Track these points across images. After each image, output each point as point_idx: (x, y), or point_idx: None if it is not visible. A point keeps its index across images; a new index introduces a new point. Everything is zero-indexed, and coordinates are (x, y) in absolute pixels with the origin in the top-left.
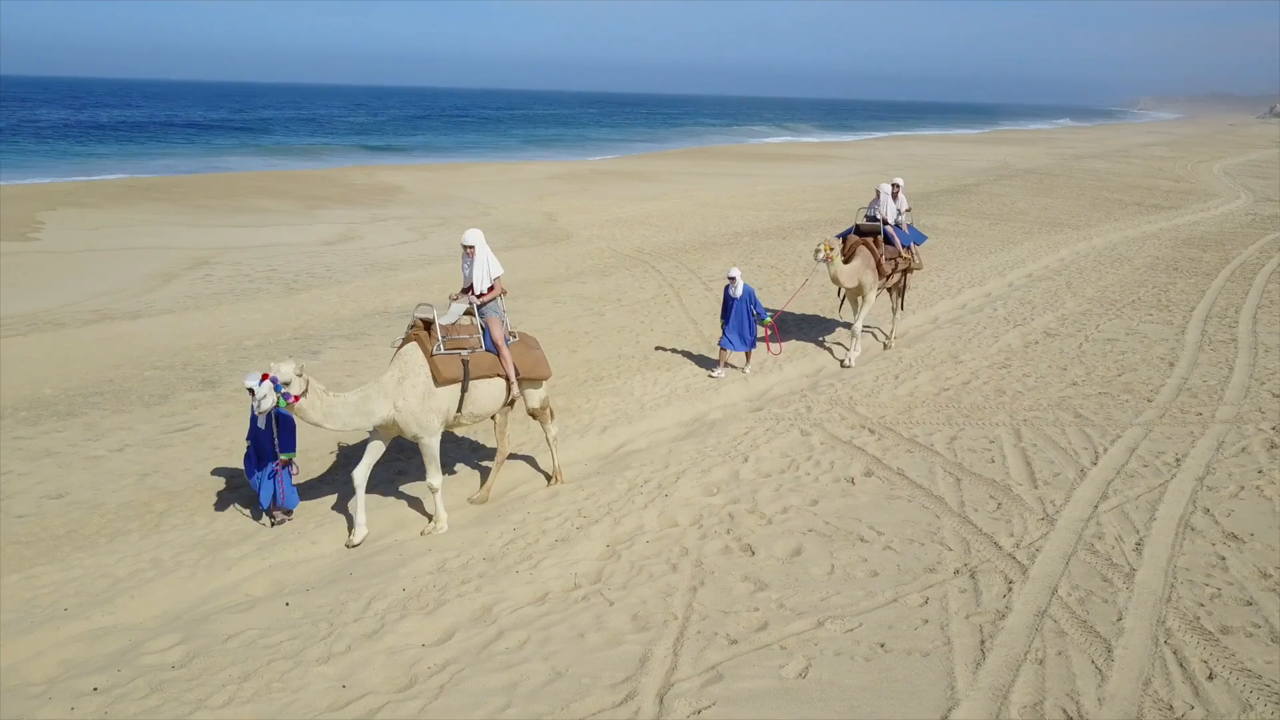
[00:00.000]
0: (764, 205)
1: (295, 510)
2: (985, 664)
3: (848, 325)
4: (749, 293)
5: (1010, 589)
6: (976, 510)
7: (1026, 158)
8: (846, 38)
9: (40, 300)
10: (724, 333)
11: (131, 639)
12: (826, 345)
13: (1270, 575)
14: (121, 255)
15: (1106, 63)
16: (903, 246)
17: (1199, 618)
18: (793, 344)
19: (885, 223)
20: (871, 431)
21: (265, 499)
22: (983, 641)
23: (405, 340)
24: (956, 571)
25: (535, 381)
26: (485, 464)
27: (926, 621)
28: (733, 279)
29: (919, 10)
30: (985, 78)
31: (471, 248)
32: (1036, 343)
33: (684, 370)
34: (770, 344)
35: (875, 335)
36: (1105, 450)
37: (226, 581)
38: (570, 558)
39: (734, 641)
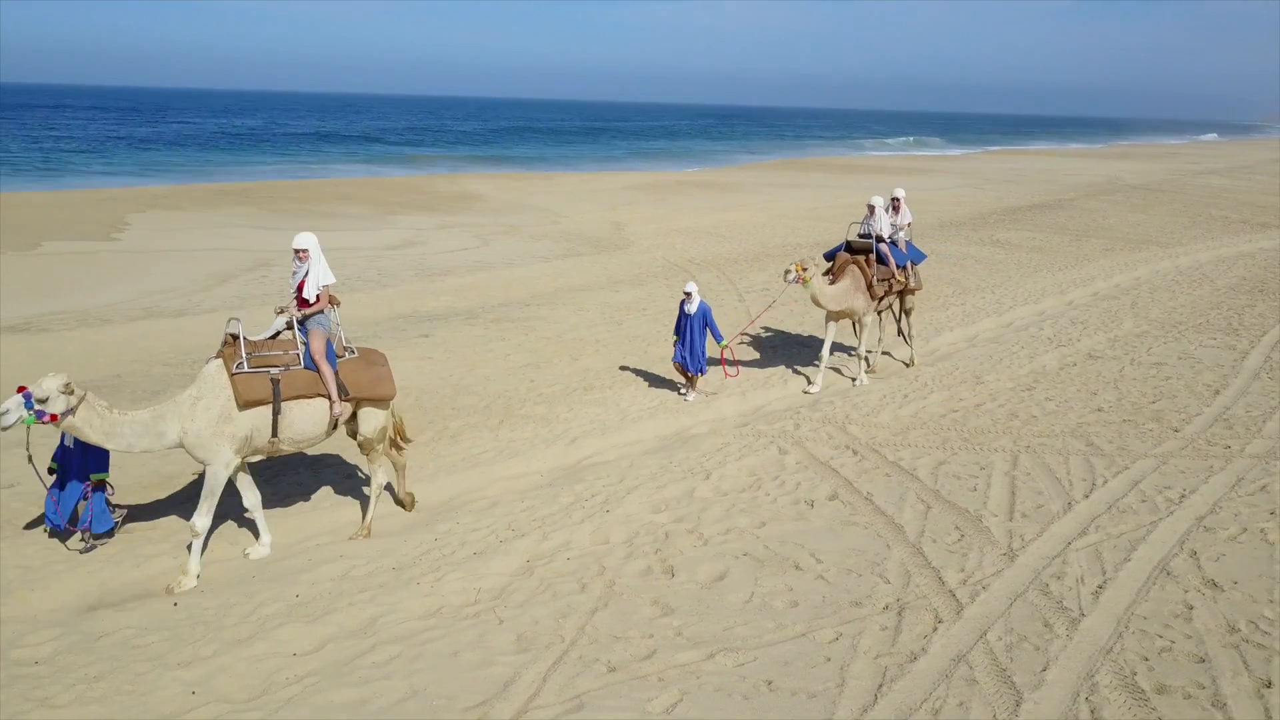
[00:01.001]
0: (841, 217)
1: (114, 531)
2: (873, 711)
3: (851, 349)
4: (704, 311)
5: (935, 629)
6: (935, 541)
7: (1141, 173)
8: (981, 49)
9: (100, 296)
10: (676, 350)
11: (15, 631)
12: (833, 366)
13: (1238, 630)
14: (190, 256)
15: (1261, 76)
16: (897, 266)
17: (1136, 674)
18: (793, 361)
19: (879, 240)
20: (855, 453)
21: (55, 518)
22: (880, 685)
23: (215, 357)
24: (886, 607)
25: (375, 402)
26: (418, 484)
27: (829, 660)
28: (688, 294)
29: (1074, 21)
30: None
31: (304, 251)
32: (1074, 365)
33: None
34: (726, 366)
35: (893, 355)
36: (1105, 482)
37: (136, 577)
38: (481, 571)
39: (613, 669)
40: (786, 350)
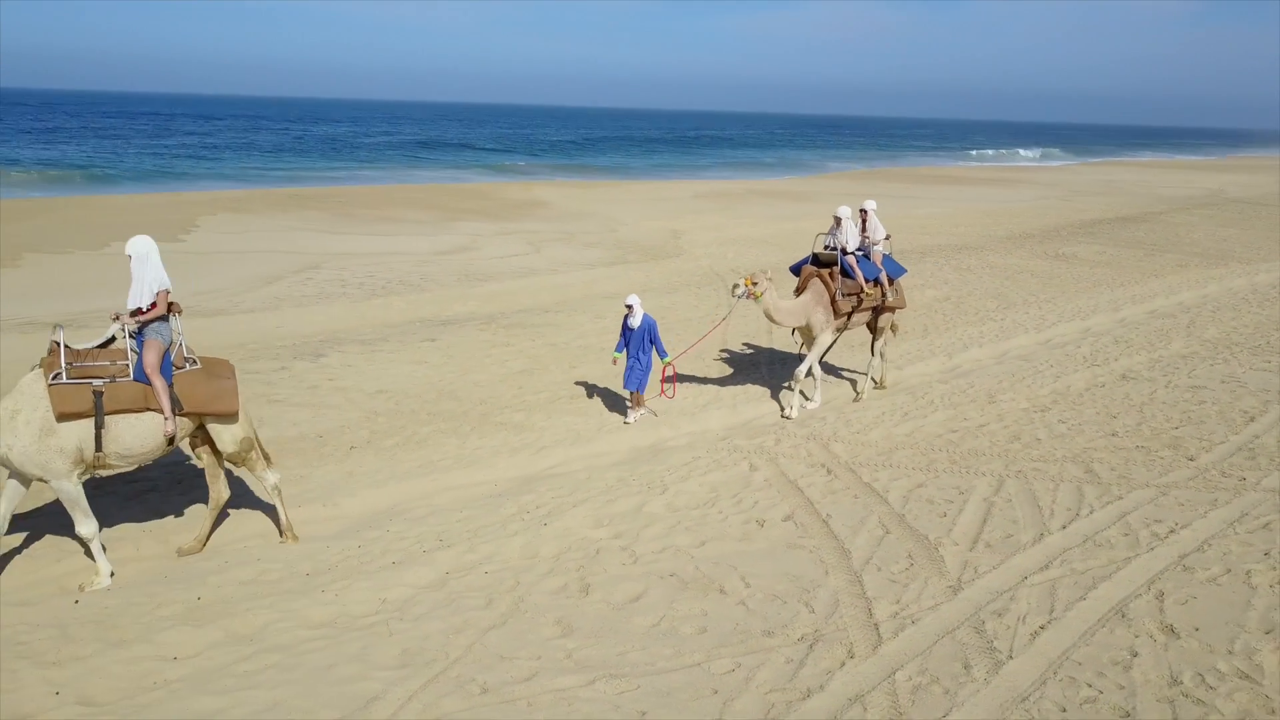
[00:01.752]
0: (910, 228)
1: None
2: None
3: (842, 371)
4: (649, 325)
5: (843, 665)
6: (879, 570)
7: (1249, 186)
8: (1106, 57)
9: None
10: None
11: None
12: (845, 376)
13: (1180, 682)
14: (246, 257)
15: None
16: (867, 280)
17: None
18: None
19: (844, 252)
20: (829, 472)
21: None
22: None
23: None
24: (801, 638)
25: (221, 417)
26: (306, 492)
27: (715, 692)
28: (630, 307)
29: (1205, 27)
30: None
31: (134, 256)
32: (1103, 386)
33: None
34: (664, 385)
35: (842, 375)
36: (1090, 512)
37: (53, 573)
38: (392, 582)
39: (485, 691)
40: (790, 364)
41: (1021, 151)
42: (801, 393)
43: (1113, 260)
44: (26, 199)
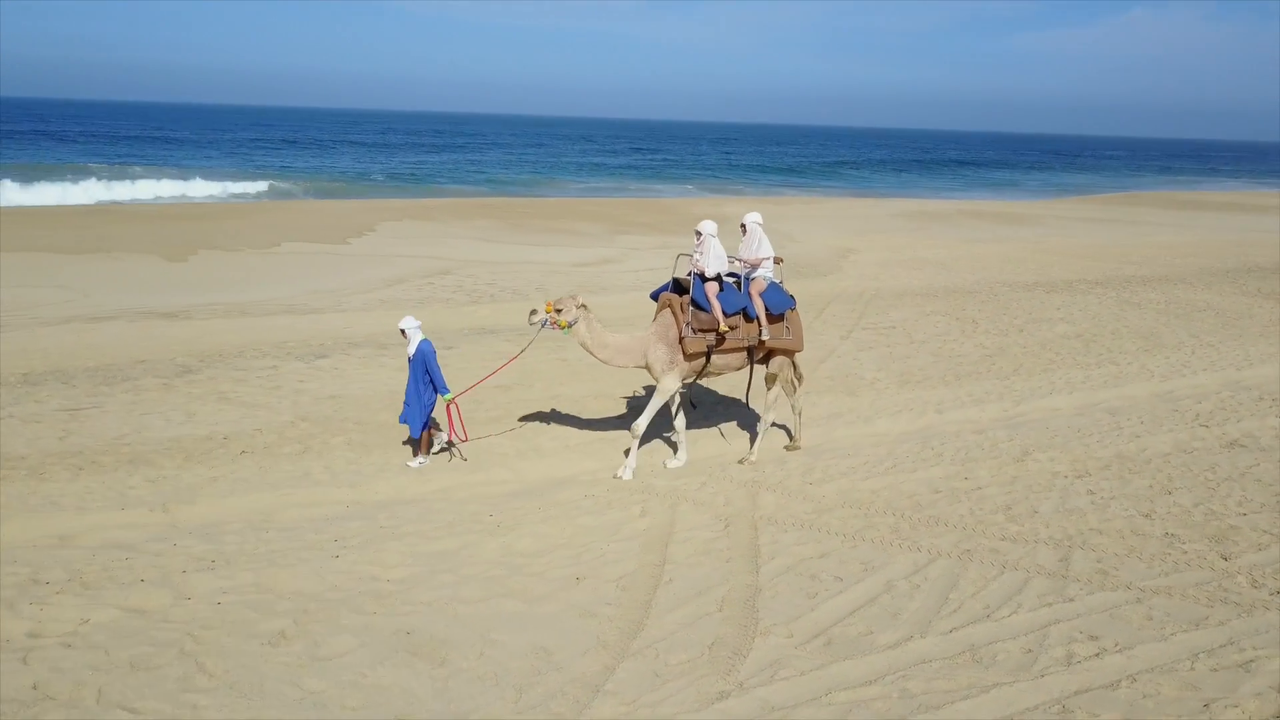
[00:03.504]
0: (1121, 259)
1: None
2: None
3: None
4: (424, 353)
5: None
6: (658, 655)
7: None
8: None
9: (271, 291)
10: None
11: None
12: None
13: None
14: (392, 260)
15: None
16: (725, 314)
17: None
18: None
19: (703, 277)
20: (726, 527)
21: None
22: None
23: None
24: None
25: None
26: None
27: None
28: (403, 331)
29: None
30: None
31: None
32: (1190, 453)
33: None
34: (454, 427)
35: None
36: (1010, 614)
37: None
38: (113, 601)
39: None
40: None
41: None
42: (673, 447)
43: (1246, 311)
44: (268, 201)
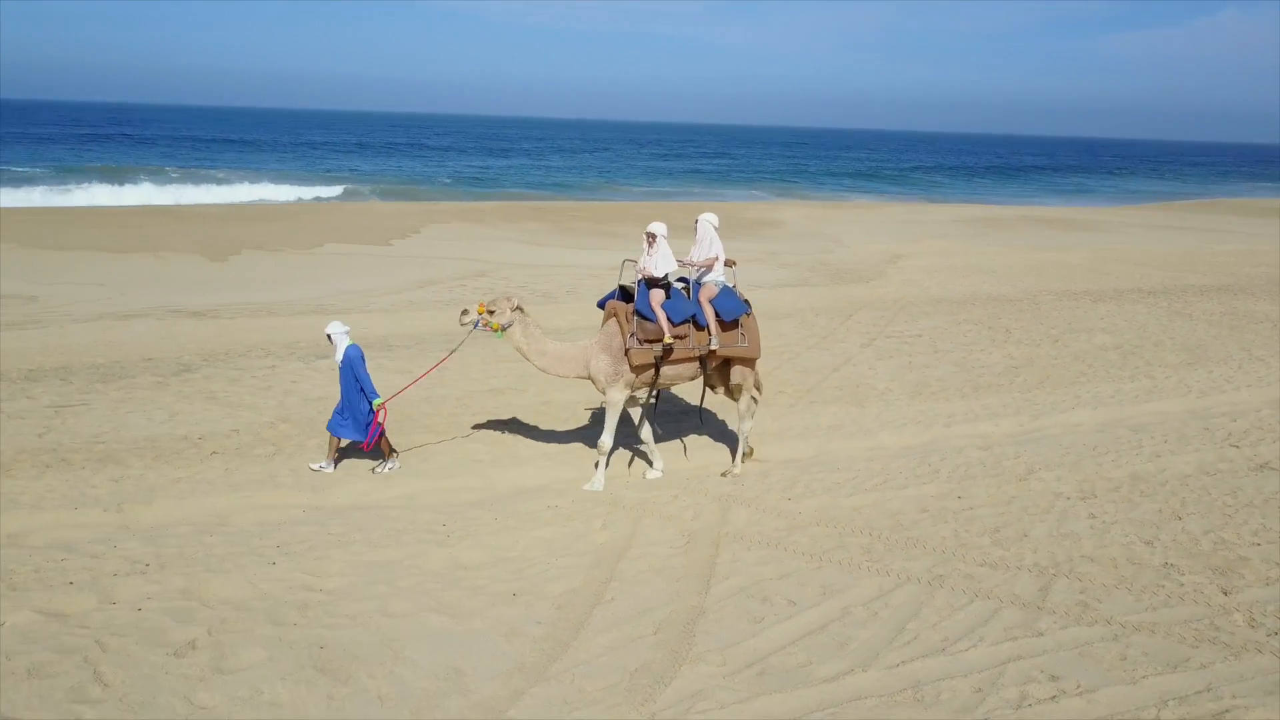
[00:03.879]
0: (1183, 266)
1: None
2: None
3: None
4: (351, 358)
5: None
6: (571, 683)
7: None
8: None
9: (301, 291)
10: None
11: None
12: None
13: None
14: (431, 262)
15: None
16: (674, 322)
17: None
18: (799, 416)
19: (651, 282)
20: (688, 542)
21: None
22: None
23: None
24: None
25: None
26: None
27: None
28: (329, 337)
29: None
30: None
31: None
32: (1212, 475)
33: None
34: (374, 433)
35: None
36: (969, 648)
37: None
38: (40, 604)
39: None
40: (780, 404)
41: None
42: (647, 459)
43: None
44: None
